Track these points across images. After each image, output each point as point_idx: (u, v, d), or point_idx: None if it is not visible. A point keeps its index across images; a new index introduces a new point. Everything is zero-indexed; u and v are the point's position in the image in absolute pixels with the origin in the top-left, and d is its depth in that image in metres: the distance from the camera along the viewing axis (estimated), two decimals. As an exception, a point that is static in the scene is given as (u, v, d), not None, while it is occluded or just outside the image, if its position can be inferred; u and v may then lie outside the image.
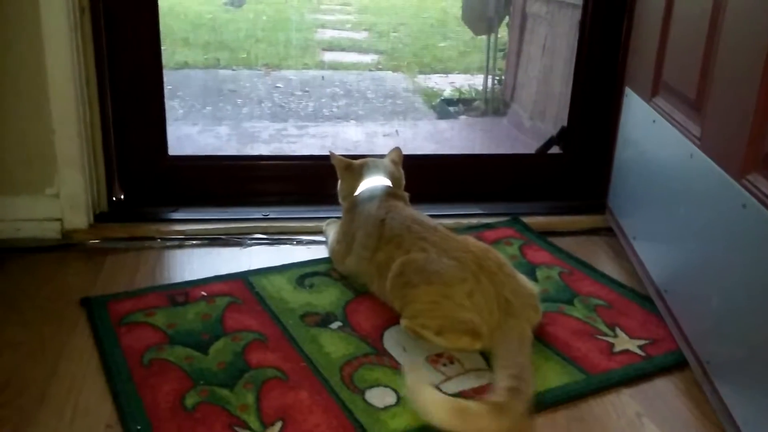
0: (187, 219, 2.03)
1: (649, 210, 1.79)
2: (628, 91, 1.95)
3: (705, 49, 1.49)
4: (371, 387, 1.38)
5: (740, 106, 1.31)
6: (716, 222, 1.39)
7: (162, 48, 2.06)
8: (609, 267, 1.88)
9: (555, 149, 2.33)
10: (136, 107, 2.04)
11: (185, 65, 4.52)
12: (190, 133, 3.31)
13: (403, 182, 1.87)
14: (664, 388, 1.43)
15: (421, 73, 4.70)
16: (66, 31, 1.81)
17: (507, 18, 3.80)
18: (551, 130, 2.41)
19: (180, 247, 1.95)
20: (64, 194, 1.93)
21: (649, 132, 1.77)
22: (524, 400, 1.26)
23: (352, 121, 3.72)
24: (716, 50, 1.44)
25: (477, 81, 4.31)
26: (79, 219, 1.95)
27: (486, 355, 1.48)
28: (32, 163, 1.90)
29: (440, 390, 1.37)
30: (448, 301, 1.47)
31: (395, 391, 1.37)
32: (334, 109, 3.92)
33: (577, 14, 2.22)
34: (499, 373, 1.33)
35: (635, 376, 1.44)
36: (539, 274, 1.82)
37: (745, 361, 1.25)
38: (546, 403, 1.36)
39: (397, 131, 3.51)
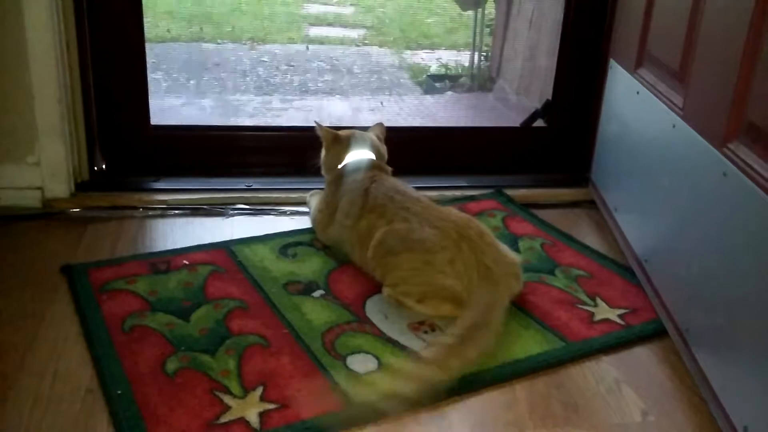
0: (169, 189, 2.02)
1: (632, 182, 1.80)
2: (612, 63, 1.95)
3: (689, 21, 1.49)
4: (353, 353, 1.39)
5: (722, 75, 1.31)
6: (697, 191, 1.40)
7: (145, 20, 2.03)
8: (591, 239, 1.89)
9: (539, 122, 2.33)
10: (119, 75, 2.02)
11: (169, 38, 4.47)
12: (174, 105, 3.28)
13: (386, 157, 1.86)
14: (643, 355, 1.44)
15: (407, 48, 4.67)
16: (46, -4, 1.78)
17: (494, -7, 3.79)
18: (537, 105, 2.40)
19: (162, 216, 1.94)
20: (45, 163, 1.91)
21: (633, 103, 1.78)
22: (460, 359, 1.31)
23: (338, 96, 3.70)
24: (700, 21, 1.44)
25: (463, 57, 4.29)
26: (60, 188, 1.93)
27: (467, 323, 1.49)
28: (12, 131, 1.88)
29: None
30: (430, 268, 1.47)
31: (377, 357, 1.38)
32: (320, 84, 3.89)
33: (564, -13, 2.21)
34: (449, 330, 1.37)
35: (615, 344, 1.46)
36: (521, 245, 1.83)
37: (722, 328, 1.27)
38: (526, 369, 1.37)
39: (382, 103, 3.49)
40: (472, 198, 2.07)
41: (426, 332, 1.46)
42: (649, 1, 1.72)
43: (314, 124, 1.86)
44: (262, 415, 1.23)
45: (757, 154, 1.20)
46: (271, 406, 1.24)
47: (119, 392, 1.26)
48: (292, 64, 4.19)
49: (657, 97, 1.62)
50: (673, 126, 1.51)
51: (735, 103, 1.27)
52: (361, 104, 3.57)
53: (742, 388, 1.19)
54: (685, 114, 1.47)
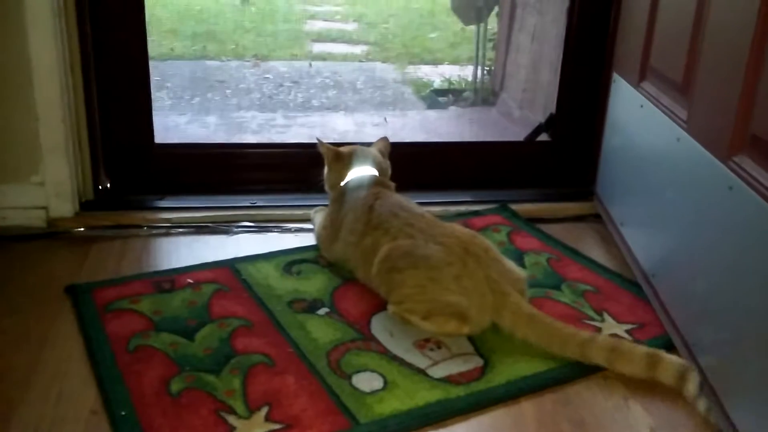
0: (173, 207, 2.02)
1: (637, 195, 1.79)
2: (616, 77, 1.95)
3: (692, 34, 1.49)
4: (358, 372, 1.38)
5: (726, 88, 1.31)
6: (703, 205, 1.39)
7: (149, 38, 2.04)
8: (597, 253, 1.88)
9: (543, 136, 2.33)
10: (123, 94, 2.03)
11: (173, 56, 4.49)
12: (178, 123, 3.29)
13: (389, 172, 1.86)
14: (651, 371, 1.43)
15: (410, 64, 4.68)
16: (50, 16, 1.79)
17: (496, 8, 3.79)
18: (540, 119, 2.40)
19: (166, 235, 1.94)
20: (50, 182, 1.91)
21: (637, 117, 1.77)
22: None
23: (341, 112, 3.70)
24: (703, 34, 1.44)
25: (466, 72, 4.29)
26: (64, 207, 1.93)
27: (473, 340, 1.48)
28: (17, 151, 1.88)
29: (426, 375, 1.37)
30: (435, 285, 1.47)
31: (382, 376, 1.37)
32: (324, 100, 3.91)
33: (566, 2, 2.21)
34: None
35: (622, 359, 1.44)
36: (527, 260, 1.82)
37: (731, 343, 1.26)
38: (533, 386, 1.36)
39: (385, 119, 3.50)
40: (476, 213, 2.07)
41: (432, 349, 1.45)
42: (652, 14, 1.72)
43: (316, 141, 1.85)
44: (267, 435, 1.22)
45: (763, 167, 1.19)
46: (277, 426, 1.23)
47: (123, 413, 1.25)
48: (295, 80, 4.20)
49: (661, 110, 1.61)
50: (678, 139, 1.50)
51: (739, 116, 1.26)
52: (364, 120, 3.57)
53: (751, 402, 1.17)
54: (689, 127, 1.47)
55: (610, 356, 1.37)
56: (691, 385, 1.31)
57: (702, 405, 1.28)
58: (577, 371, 1.40)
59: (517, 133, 2.65)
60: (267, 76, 4.25)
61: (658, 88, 1.68)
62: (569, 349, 1.41)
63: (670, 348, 1.47)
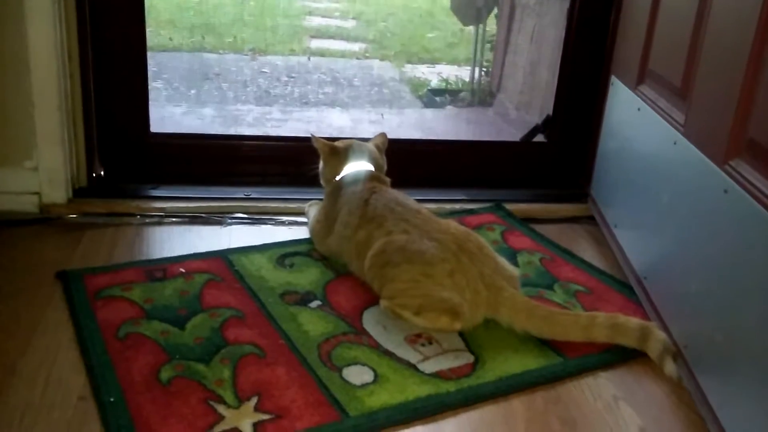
0: (167, 196, 2.01)
1: (632, 198, 1.79)
2: (614, 79, 1.95)
3: (692, 37, 1.49)
4: (349, 365, 1.38)
5: (725, 92, 1.31)
6: (698, 208, 1.39)
7: (148, 29, 2.03)
8: (590, 254, 1.88)
9: (540, 137, 2.33)
10: (119, 82, 2.02)
11: (171, 47, 4.48)
12: (174, 114, 3.27)
13: (385, 168, 1.86)
14: (642, 372, 1.43)
15: (408, 62, 4.68)
16: (49, 2, 1.78)
17: (496, 9, 3.80)
18: (537, 120, 2.40)
19: (159, 224, 1.93)
20: (43, 168, 1.90)
21: (634, 120, 1.77)
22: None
23: (338, 108, 3.70)
24: (703, 38, 1.44)
25: (464, 72, 4.29)
26: (57, 193, 1.92)
27: (465, 336, 1.48)
28: (11, 136, 1.87)
29: (417, 370, 1.37)
30: (428, 280, 1.46)
31: (373, 369, 1.37)
32: (320, 96, 3.90)
33: (565, 4, 2.22)
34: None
35: (613, 360, 1.45)
36: (520, 259, 1.82)
37: (722, 346, 1.26)
38: (523, 384, 1.36)
39: (382, 115, 3.49)
40: (471, 211, 2.07)
41: (423, 345, 1.45)
42: (652, 18, 1.72)
43: (309, 135, 1.85)
44: (256, 425, 1.21)
45: (759, 171, 1.20)
46: (266, 417, 1.23)
47: (112, 400, 1.25)
48: (293, 75, 4.19)
49: (658, 113, 1.62)
50: (674, 143, 1.50)
51: (737, 120, 1.27)
52: (361, 116, 3.57)
53: (741, 406, 1.18)
54: (686, 131, 1.47)
55: (611, 332, 1.44)
56: (670, 365, 1.39)
57: (675, 373, 1.38)
58: (567, 370, 1.40)
59: (513, 135, 2.65)
60: (264, 70, 4.24)
61: (656, 92, 1.68)
62: (572, 334, 1.44)
63: (661, 350, 1.47)
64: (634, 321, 1.45)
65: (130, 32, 1.99)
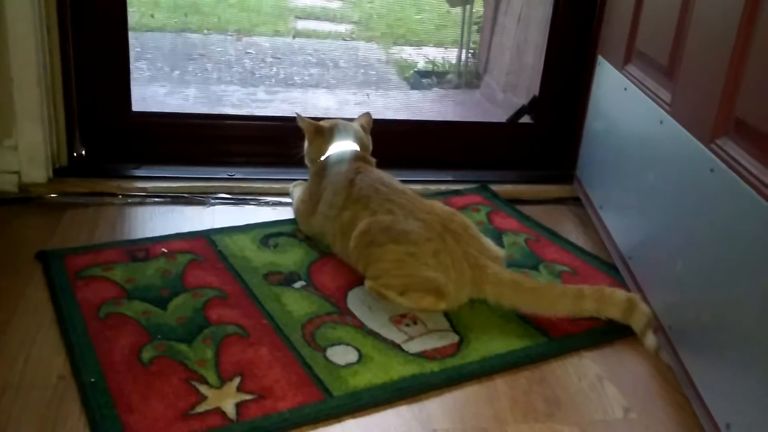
0: (149, 176, 1.99)
1: (617, 178, 1.79)
2: (600, 59, 1.94)
3: (679, 16, 1.48)
4: (333, 345, 1.37)
5: (712, 71, 1.30)
6: (684, 187, 1.39)
7: (130, 8, 1.99)
8: (575, 235, 1.88)
9: (526, 118, 2.32)
10: (100, 60, 1.98)
11: (154, 27, 4.41)
12: (157, 94, 3.23)
13: (371, 148, 1.84)
14: (626, 352, 1.43)
15: (394, 44, 4.64)
16: (26, -25, 1.75)
17: (483, -10, 3.77)
18: (524, 102, 2.39)
19: (142, 204, 1.91)
20: (23, 146, 1.87)
21: (620, 100, 1.77)
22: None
23: (323, 89, 3.67)
24: (690, 17, 1.43)
25: (451, 54, 4.27)
26: (37, 172, 1.89)
27: (449, 316, 1.47)
28: (-11, 114, 1.84)
29: (402, 350, 1.36)
30: (413, 260, 1.45)
31: (357, 349, 1.36)
32: (306, 77, 3.86)
33: (553, -16, 2.20)
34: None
35: (597, 340, 1.45)
36: (505, 240, 1.81)
37: (706, 325, 1.26)
38: (507, 364, 1.36)
39: (368, 95, 3.47)
40: (457, 192, 2.06)
41: (408, 325, 1.44)
42: (639, -3, 1.71)
43: (294, 115, 1.83)
44: (239, 405, 1.20)
45: (745, 150, 1.19)
46: (248, 397, 1.22)
47: (92, 380, 1.23)
48: (278, 56, 4.15)
49: (645, 93, 1.61)
50: (661, 122, 1.50)
51: (723, 99, 1.26)
52: (347, 98, 3.54)
53: (725, 385, 1.18)
54: (672, 110, 1.46)
55: (598, 305, 1.43)
56: (650, 338, 1.40)
57: (654, 345, 1.41)
58: (551, 350, 1.40)
59: (500, 116, 2.63)
60: (249, 51, 4.20)
61: (642, 71, 1.67)
62: (561, 307, 1.44)
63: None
64: (621, 292, 1.45)
65: (110, 8, 1.95)
